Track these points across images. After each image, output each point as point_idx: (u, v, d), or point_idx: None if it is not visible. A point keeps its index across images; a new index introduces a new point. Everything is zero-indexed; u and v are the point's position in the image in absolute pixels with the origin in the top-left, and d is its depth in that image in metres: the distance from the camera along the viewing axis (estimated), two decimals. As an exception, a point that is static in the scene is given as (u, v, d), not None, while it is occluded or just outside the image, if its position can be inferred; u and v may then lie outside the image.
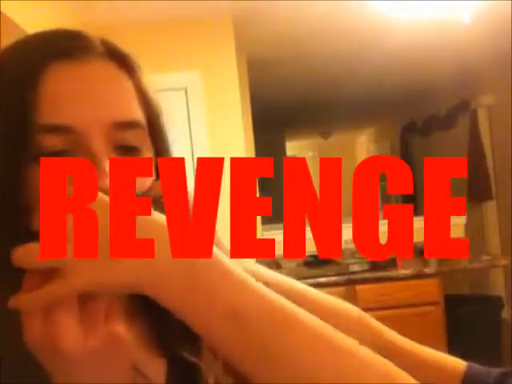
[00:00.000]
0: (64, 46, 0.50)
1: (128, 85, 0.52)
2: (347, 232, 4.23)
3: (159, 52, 3.25)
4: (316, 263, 4.04)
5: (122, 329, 0.40)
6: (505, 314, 4.22)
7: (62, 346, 0.38)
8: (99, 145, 0.48)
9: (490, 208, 5.27)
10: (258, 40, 3.82)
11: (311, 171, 11.21)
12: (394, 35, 3.70)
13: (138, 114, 0.52)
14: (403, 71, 4.94)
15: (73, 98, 0.48)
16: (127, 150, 0.50)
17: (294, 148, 9.52)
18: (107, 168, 0.47)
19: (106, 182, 0.46)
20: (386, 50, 4.08)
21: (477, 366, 0.58)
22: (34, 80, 0.47)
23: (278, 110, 6.13)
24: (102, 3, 2.93)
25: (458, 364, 0.56)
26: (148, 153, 0.53)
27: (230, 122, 3.32)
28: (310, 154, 10.23)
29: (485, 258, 4.00)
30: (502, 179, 5.12)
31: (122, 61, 0.53)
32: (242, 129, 3.35)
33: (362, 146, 10.17)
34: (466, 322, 3.61)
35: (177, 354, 0.56)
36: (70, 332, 0.38)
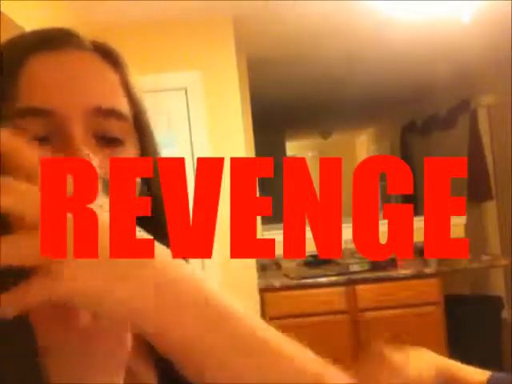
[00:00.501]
0: (47, 39, 0.50)
1: (114, 77, 0.52)
2: (347, 232, 4.23)
3: (159, 52, 3.25)
4: (316, 263, 4.04)
5: None
6: (505, 313, 4.22)
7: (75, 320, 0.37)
8: (78, 129, 0.46)
9: (490, 208, 5.27)
10: (258, 40, 3.81)
11: (311, 171, 11.22)
12: (394, 35, 3.70)
13: (123, 106, 0.51)
14: (403, 71, 4.94)
15: (52, 83, 0.47)
16: (110, 141, 0.49)
17: (294, 148, 9.51)
18: (83, 148, 0.45)
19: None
20: (386, 49, 4.08)
21: (499, 374, 0.59)
22: (14, 68, 0.47)
23: (278, 109, 6.13)
24: (102, 3, 2.93)
25: (483, 375, 0.56)
26: (132, 148, 0.52)
27: (230, 122, 3.32)
28: (310, 154, 10.22)
29: (485, 258, 4.00)
30: (502, 179, 5.12)
31: (108, 55, 0.53)
32: (241, 129, 3.35)
33: (362, 145, 10.17)
34: (465, 322, 3.61)
35: (170, 368, 0.55)
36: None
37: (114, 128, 0.49)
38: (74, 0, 2.78)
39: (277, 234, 4.24)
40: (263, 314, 3.39)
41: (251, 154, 3.99)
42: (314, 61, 4.41)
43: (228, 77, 3.33)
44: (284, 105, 5.94)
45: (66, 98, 0.47)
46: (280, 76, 4.83)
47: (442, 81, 5.24)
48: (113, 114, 0.49)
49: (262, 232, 4.14)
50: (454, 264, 3.84)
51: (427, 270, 3.55)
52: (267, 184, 6.21)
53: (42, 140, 0.46)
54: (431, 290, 3.47)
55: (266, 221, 4.40)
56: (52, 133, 0.46)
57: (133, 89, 0.54)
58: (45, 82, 0.47)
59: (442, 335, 3.43)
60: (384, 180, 9.06)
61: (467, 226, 4.32)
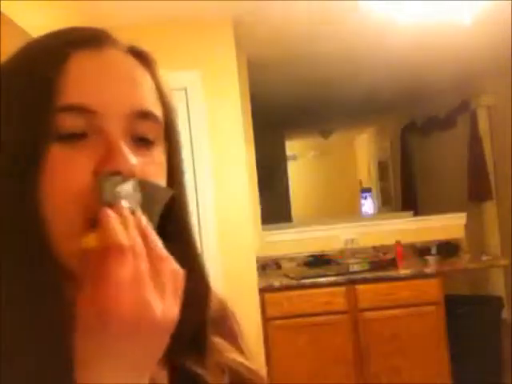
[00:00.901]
0: (89, 36, 0.51)
1: (148, 80, 0.54)
2: (347, 232, 4.23)
3: (159, 52, 3.21)
4: (316, 263, 4.04)
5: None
6: (505, 314, 4.22)
7: (155, 316, 0.42)
8: (118, 130, 0.49)
9: (490, 208, 5.27)
10: (258, 40, 3.81)
11: (311, 171, 11.20)
12: (394, 36, 3.70)
13: (157, 109, 0.53)
14: (403, 71, 4.94)
15: (95, 82, 0.49)
16: (144, 142, 0.51)
17: (293, 148, 9.51)
18: (124, 150, 0.47)
19: (126, 163, 0.47)
20: (386, 50, 4.08)
21: None
22: (58, 64, 0.48)
23: (278, 109, 6.13)
24: (101, 3, 2.93)
25: None
26: (160, 148, 0.53)
27: (230, 122, 3.32)
28: (310, 153, 10.22)
29: (485, 258, 4.00)
30: (502, 179, 5.12)
31: (142, 58, 0.55)
32: (241, 129, 3.35)
33: (362, 145, 10.16)
34: (465, 322, 3.61)
35: (182, 364, 0.56)
36: (158, 305, 0.42)
37: (150, 130, 0.51)
38: (75, 0, 2.78)
39: (277, 234, 4.24)
40: (263, 314, 3.39)
41: (251, 154, 3.99)
42: (314, 61, 4.41)
43: (228, 77, 3.33)
44: (284, 105, 5.94)
45: (110, 98, 0.49)
46: (280, 76, 4.83)
47: (441, 81, 5.24)
48: (150, 116, 0.51)
49: (262, 232, 4.14)
50: (454, 264, 3.85)
51: (427, 270, 3.55)
52: (267, 184, 6.21)
53: (81, 136, 0.47)
54: (431, 289, 3.47)
55: (266, 221, 4.40)
56: (92, 130, 0.48)
57: (164, 91, 0.55)
58: (89, 80, 0.49)
59: (442, 335, 3.43)
60: (384, 180, 9.07)
61: (467, 226, 4.32)
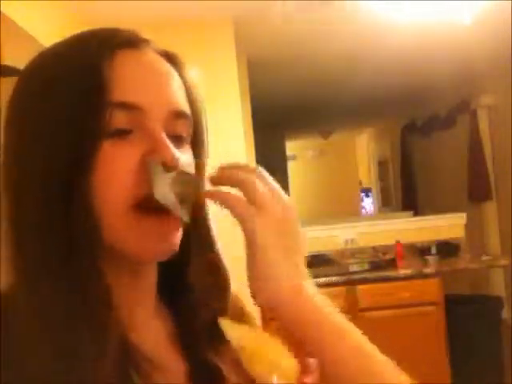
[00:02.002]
0: (129, 37, 0.55)
1: (178, 79, 0.57)
2: (347, 232, 4.23)
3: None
4: (316, 263, 4.04)
5: None
6: (505, 314, 4.22)
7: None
8: (160, 127, 0.52)
9: (490, 208, 5.27)
10: (258, 40, 3.82)
11: (311, 171, 11.20)
12: (394, 35, 3.70)
13: (187, 107, 0.56)
14: (403, 71, 4.94)
15: (140, 81, 0.52)
16: (175, 138, 0.54)
17: (293, 148, 9.51)
18: (169, 144, 0.51)
19: (171, 156, 0.50)
20: (386, 50, 4.08)
21: None
22: (106, 62, 0.51)
23: (278, 109, 6.13)
24: (101, 3, 2.93)
25: None
26: (188, 146, 0.58)
27: (230, 122, 3.32)
28: (310, 153, 10.23)
29: (485, 258, 4.00)
30: (502, 179, 5.12)
31: (172, 58, 0.58)
32: (242, 129, 3.35)
33: (362, 145, 10.17)
34: (465, 322, 3.61)
35: (200, 356, 0.58)
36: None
37: (183, 128, 0.55)
38: (75, 0, 2.78)
39: (277, 234, 4.24)
40: (263, 314, 3.39)
41: (251, 153, 3.99)
42: (314, 61, 4.41)
43: (228, 77, 3.33)
44: (284, 105, 5.94)
45: (153, 96, 0.52)
46: (280, 76, 4.83)
47: (442, 81, 5.24)
48: (184, 116, 0.55)
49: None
50: (454, 264, 3.85)
51: (427, 270, 3.55)
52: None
53: (127, 132, 0.51)
54: (431, 289, 3.47)
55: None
56: (136, 126, 0.51)
57: (193, 90, 0.59)
58: (134, 78, 0.52)
59: (442, 335, 3.43)
60: (384, 180, 9.08)
61: (467, 226, 4.32)
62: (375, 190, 9.55)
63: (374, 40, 3.89)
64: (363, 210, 9.89)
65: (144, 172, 0.50)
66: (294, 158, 9.59)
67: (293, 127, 7.80)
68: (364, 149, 10.06)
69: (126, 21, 3.31)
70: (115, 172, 0.49)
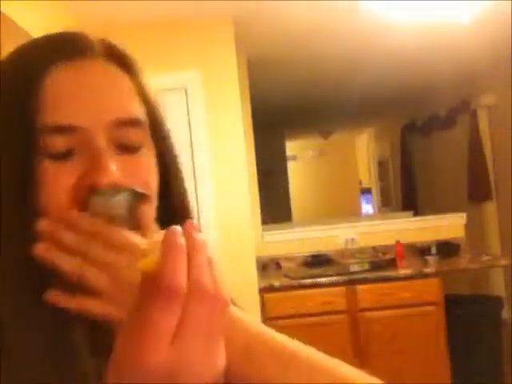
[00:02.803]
0: (65, 49, 0.51)
1: (128, 84, 0.53)
2: (347, 232, 4.23)
3: (159, 52, 3.25)
4: (316, 263, 4.04)
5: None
6: (505, 314, 4.22)
7: (191, 374, 0.37)
8: (102, 142, 0.49)
9: (490, 208, 5.27)
10: (258, 40, 3.82)
11: (311, 171, 11.19)
12: (394, 35, 3.70)
13: (139, 112, 0.53)
14: (403, 71, 4.94)
15: (75, 98, 0.49)
16: (128, 147, 0.51)
17: (293, 148, 9.51)
18: (110, 165, 0.48)
19: (107, 178, 0.47)
20: (386, 49, 4.08)
21: None
22: (37, 82, 0.49)
23: (278, 109, 6.13)
24: (101, 3, 2.93)
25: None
26: (149, 151, 0.53)
27: (230, 122, 3.32)
28: (310, 153, 10.22)
29: (485, 258, 4.00)
30: (502, 179, 5.12)
31: (121, 61, 0.54)
32: (241, 129, 3.35)
33: (362, 145, 10.17)
34: (465, 322, 3.61)
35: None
36: (197, 367, 0.37)
37: (132, 136, 0.51)
38: (74, 0, 2.78)
39: (277, 234, 4.24)
40: (263, 314, 3.39)
41: (251, 153, 3.99)
42: (314, 61, 4.41)
43: (228, 77, 3.33)
44: (284, 105, 5.94)
45: (90, 113, 0.49)
46: (280, 76, 4.83)
47: (442, 81, 5.24)
48: (131, 123, 0.51)
49: (262, 232, 4.15)
50: (454, 264, 3.85)
51: (427, 270, 3.55)
52: (267, 184, 6.21)
53: (66, 155, 0.49)
54: (431, 289, 3.47)
55: (266, 221, 4.41)
56: (76, 147, 0.49)
57: (147, 91, 0.55)
58: (68, 96, 0.49)
59: (442, 335, 3.43)
60: (384, 180, 9.07)
61: (467, 226, 4.32)
62: (375, 190, 9.55)
63: (374, 40, 3.89)
64: (363, 210, 9.89)
65: (79, 195, 0.48)
66: (294, 158, 9.59)
67: (293, 127, 7.80)
68: (364, 149, 10.05)
69: (125, 21, 3.34)
70: (51, 194, 0.48)
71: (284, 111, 6.29)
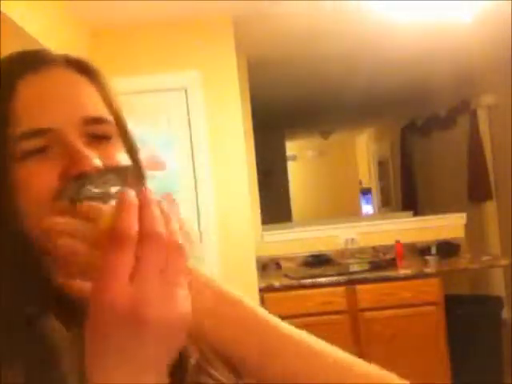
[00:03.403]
0: (29, 62, 0.56)
1: (91, 88, 0.58)
2: (347, 232, 4.23)
3: (159, 52, 3.25)
4: (316, 263, 4.04)
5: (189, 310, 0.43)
6: (505, 314, 4.22)
7: (148, 314, 0.40)
8: (74, 137, 0.53)
9: (490, 208, 5.27)
10: (258, 40, 3.82)
11: (311, 171, 11.19)
12: (394, 35, 3.70)
13: (103, 112, 0.57)
14: (403, 71, 4.94)
15: (43, 104, 0.53)
16: (99, 138, 0.55)
17: (293, 148, 9.51)
18: (88, 152, 0.51)
19: (89, 163, 0.50)
20: (386, 49, 4.08)
21: None
22: (6, 95, 0.53)
23: (278, 109, 6.13)
24: (101, 3, 2.93)
25: None
26: (119, 143, 0.57)
27: (230, 122, 3.32)
28: (310, 153, 10.22)
29: (485, 258, 4.00)
30: (502, 179, 5.12)
31: (82, 69, 0.59)
32: (241, 129, 3.35)
33: (362, 145, 10.17)
34: (465, 322, 3.61)
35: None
36: (156, 302, 0.41)
37: (100, 130, 0.56)
38: (74, 0, 2.78)
39: (277, 234, 4.24)
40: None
41: (251, 153, 3.99)
42: (314, 61, 4.41)
43: (228, 77, 3.33)
44: (284, 105, 5.94)
45: (59, 115, 0.53)
46: (280, 76, 4.83)
47: (441, 81, 5.24)
48: (97, 120, 0.55)
49: (262, 232, 4.15)
50: (454, 264, 3.85)
51: (427, 270, 3.55)
52: (267, 184, 6.21)
53: (42, 151, 0.52)
54: (431, 289, 3.47)
55: (266, 221, 4.40)
56: (52, 144, 0.52)
57: (109, 94, 0.59)
58: (37, 103, 0.53)
59: (442, 335, 3.43)
60: (384, 180, 9.07)
61: (467, 226, 4.32)
62: (375, 190, 9.54)
63: (374, 40, 3.89)
64: (363, 210, 9.89)
65: (61, 185, 0.50)
66: (294, 158, 9.59)
67: (293, 127, 7.80)
68: (364, 149, 10.05)
69: (125, 21, 3.34)
70: (33, 188, 0.50)
71: (284, 111, 6.29)
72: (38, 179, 0.51)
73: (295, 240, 4.20)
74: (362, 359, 0.56)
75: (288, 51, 4.12)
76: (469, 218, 4.35)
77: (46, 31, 2.49)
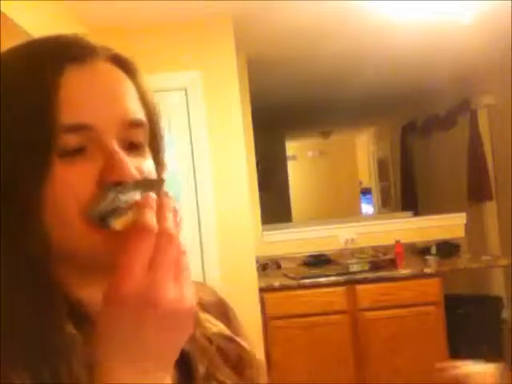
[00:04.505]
0: (76, 51, 0.54)
1: (131, 86, 0.57)
2: (347, 232, 4.23)
3: (159, 52, 3.25)
4: (316, 263, 4.04)
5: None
6: (505, 313, 4.22)
7: (162, 298, 0.43)
8: (112, 139, 0.52)
9: (490, 208, 5.27)
10: (258, 40, 3.81)
11: (311, 171, 11.19)
12: (394, 35, 3.70)
13: (142, 114, 0.56)
14: (403, 71, 4.94)
15: (89, 99, 0.52)
16: (132, 146, 0.54)
17: (293, 148, 9.51)
18: (124, 161, 0.51)
19: (127, 173, 0.51)
20: (386, 50, 4.08)
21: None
22: (53, 83, 0.51)
23: (278, 109, 6.13)
24: (102, 4, 2.93)
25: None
26: (148, 151, 0.57)
27: (230, 122, 3.32)
28: (310, 154, 10.22)
29: (485, 258, 4.00)
30: (502, 179, 5.12)
31: (123, 64, 0.57)
32: (241, 129, 3.35)
33: (362, 145, 10.17)
34: (465, 322, 3.61)
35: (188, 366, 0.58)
36: (168, 289, 0.44)
37: (138, 136, 0.55)
38: (74, 0, 2.78)
39: (277, 234, 4.24)
40: (263, 314, 3.39)
41: (251, 153, 3.99)
42: (314, 61, 4.41)
43: (228, 77, 3.33)
44: (284, 105, 5.94)
45: (104, 112, 0.52)
46: (280, 76, 4.83)
47: (441, 81, 5.24)
48: (138, 124, 0.55)
49: (262, 232, 4.15)
50: (454, 264, 3.85)
51: (427, 270, 3.55)
52: (267, 184, 6.21)
53: (81, 150, 0.51)
54: (431, 289, 3.47)
55: (266, 221, 4.40)
56: (90, 143, 0.52)
57: (147, 94, 0.58)
58: (83, 97, 0.52)
59: (442, 335, 3.43)
60: (384, 180, 9.07)
61: (467, 226, 4.32)
62: (375, 190, 9.54)
63: (374, 40, 3.89)
64: (363, 210, 9.89)
65: (100, 191, 0.50)
66: (294, 158, 9.59)
67: (293, 127, 7.80)
68: (364, 149, 10.05)
69: (125, 21, 3.34)
70: (70, 191, 0.50)
71: (284, 111, 6.29)
72: (78, 183, 0.50)
73: (295, 240, 4.21)
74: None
75: (288, 51, 4.12)
76: (469, 218, 4.35)
77: (46, 31, 2.49)
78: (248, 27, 3.48)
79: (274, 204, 6.72)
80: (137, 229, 0.45)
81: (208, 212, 3.26)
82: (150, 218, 0.45)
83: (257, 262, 3.49)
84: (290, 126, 7.71)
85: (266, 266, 4.05)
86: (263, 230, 4.16)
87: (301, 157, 10.08)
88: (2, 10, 2.02)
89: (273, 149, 7.64)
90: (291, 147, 9.12)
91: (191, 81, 3.28)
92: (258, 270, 3.52)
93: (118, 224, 0.49)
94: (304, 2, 3.14)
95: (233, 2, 3.11)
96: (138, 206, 0.47)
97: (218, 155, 3.29)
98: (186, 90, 3.28)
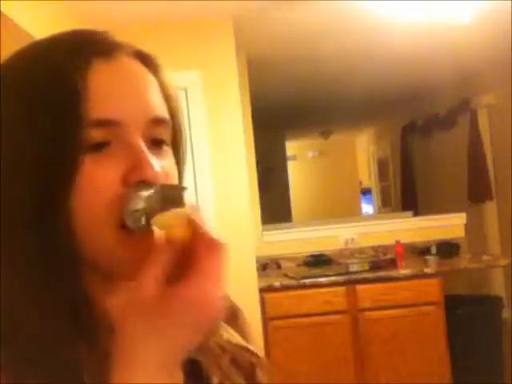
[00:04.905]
0: (103, 46, 0.53)
1: (155, 82, 0.56)
2: (347, 232, 4.23)
3: (159, 52, 3.20)
4: (316, 263, 4.04)
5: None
6: (505, 314, 4.22)
7: (215, 302, 0.46)
8: (138, 136, 0.52)
9: (490, 208, 5.27)
10: (258, 40, 3.82)
11: (311, 171, 11.21)
12: (394, 35, 3.70)
13: (165, 111, 0.56)
14: (403, 71, 4.94)
15: (116, 95, 0.51)
16: (155, 143, 0.54)
17: (293, 148, 9.52)
18: (150, 159, 0.51)
19: (152, 172, 0.50)
20: (386, 50, 4.08)
21: None
22: (80, 77, 0.50)
23: (278, 109, 6.13)
24: (101, 3, 2.93)
25: None
26: (169, 147, 0.57)
27: (230, 122, 3.32)
28: (310, 154, 10.23)
29: (485, 258, 4.00)
30: (502, 179, 5.12)
31: (146, 60, 0.57)
32: (241, 129, 3.35)
33: (362, 146, 10.17)
34: (465, 322, 3.61)
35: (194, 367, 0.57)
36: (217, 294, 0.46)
37: (161, 132, 0.55)
38: (74, 0, 2.78)
39: (277, 234, 4.24)
40: (263, 314, 3.39)
41: (251, 154, 3.99)
42: (314, 61, 4.41)
43: (228, 77, 3.33)
44: (284, 105, 5.94)
45: (130, 108, 0.52)
46: (280, 76, 4.83)
47: (441, 81, 5.24)
48: (163, 120, 0.55)
49: (262, 232, 4.15)
50: (454, 264, 3.85)
51: (427, 270, 3.55)
52: (267, 184, 6.21)
53: (105, 145, 0.50)
54: (431, 289, 3.47)
55: (267, 221, 4.40)
56: (115, 138, 0.51)
57: (169, 90, 0.58)
58: (110, 92, 0.51)
59: (442, 335, 3.43)
60: (384, 180, 9.07)
61: (467, 226, 4.32)
62: (375, 190, 9.54)
63: (374, 40, 3.89)
64: (363, 210, 9.89)
65: (126, 191, 0.50)
66: (294, 158, 9.59)
67: (293, 127, 7.80)
68: (364, 149, 10.05)
69: (125, 21, 3.33)
70: (96, 188, 0.49)
71: (284, 111, 6.29)
72: (104, 179, 0.50)
73: (295, 240, 4.20)
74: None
75: (288, 51, 4.12)
76: (469, 218, 4.35)
77: (46, 31, 2.49)
78: (248, 27, 3.48)
79: (274, 204, 6.72)
80: (209, 241, 0.47)
81: (208, 212, 3.26)
82: (209, 231, 0.47)
83: (257, 261, 3.49)
84: (290, 126, 7.71)
85: (266, 266, 4.05)
86: (263, 230, 4.16)
87: (301, 157, 10.08)
88: (2, 10, 2.02)
89: (273, 149, 7.64)
90: (291, 147, 9.12)
91: (191, 81, 3.28)
92: (258, 269, 3.52)
93: (154, 224, 0.49)
94: (304, 2, 3.14)
95: (233, 2, 3.11)
96: (192, 220, 0.48)
97: (217, 155, 3.29)
98: (185, 90, 3.28)
